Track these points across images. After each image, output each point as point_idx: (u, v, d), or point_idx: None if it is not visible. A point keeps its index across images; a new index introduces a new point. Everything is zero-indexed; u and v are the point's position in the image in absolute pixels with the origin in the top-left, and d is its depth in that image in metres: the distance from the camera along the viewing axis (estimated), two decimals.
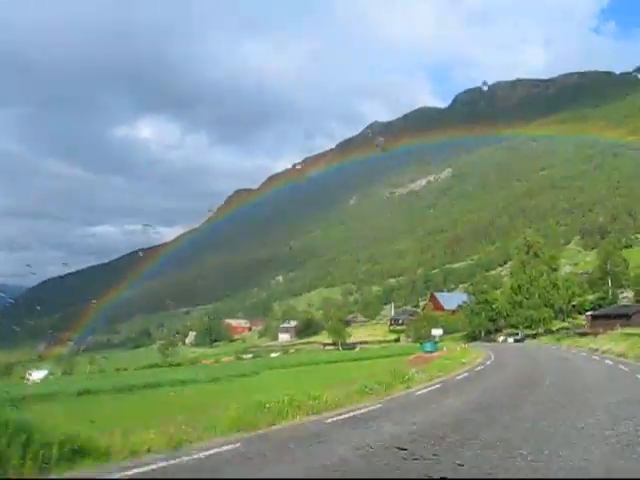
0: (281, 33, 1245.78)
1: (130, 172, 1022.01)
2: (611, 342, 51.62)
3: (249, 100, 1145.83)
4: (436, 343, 77.52)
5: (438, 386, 26.09)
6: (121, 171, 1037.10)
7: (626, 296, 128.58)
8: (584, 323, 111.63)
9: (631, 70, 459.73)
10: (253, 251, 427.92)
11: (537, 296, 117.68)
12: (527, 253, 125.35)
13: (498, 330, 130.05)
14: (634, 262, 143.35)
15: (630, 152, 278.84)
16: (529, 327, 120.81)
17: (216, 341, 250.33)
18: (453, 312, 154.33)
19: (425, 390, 24.13)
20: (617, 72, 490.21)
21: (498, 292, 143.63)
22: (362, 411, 18.22)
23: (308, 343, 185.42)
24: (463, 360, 46.26)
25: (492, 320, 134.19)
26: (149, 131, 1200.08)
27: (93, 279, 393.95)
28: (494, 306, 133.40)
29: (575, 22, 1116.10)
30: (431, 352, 67.38)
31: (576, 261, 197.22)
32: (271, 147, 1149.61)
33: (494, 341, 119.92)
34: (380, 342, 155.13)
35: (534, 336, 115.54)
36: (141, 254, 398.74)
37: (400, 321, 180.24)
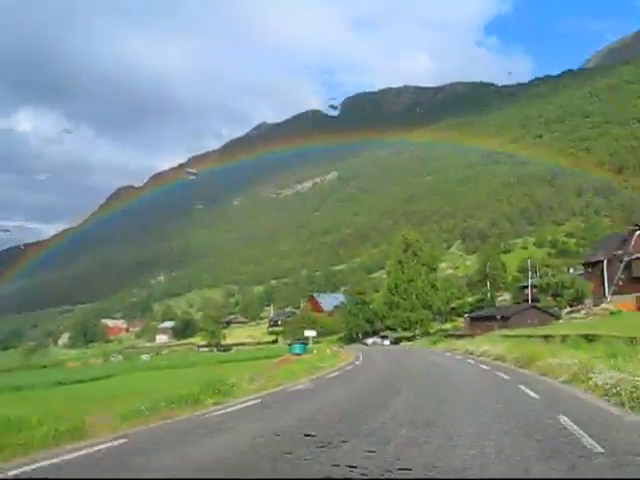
0: (170, 28, 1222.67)
1: (7, 166, 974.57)
2: (489, 344, 46.96)
3: (135, 96, 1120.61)
4: (306, 345, 71.61)
5: (258, 401, 19.62)
6: None
7: (504, 299, 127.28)
8: (462, 326, 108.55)
9: (512, 83, 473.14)
10: (135, 250, 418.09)
11: (415, 297, 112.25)
12: (405, 252, 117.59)
13: (376, 332, 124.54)
14: (512, 266, 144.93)
15: (510, 160, 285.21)
16: (407, 329, 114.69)
17: (92, 342, 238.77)
18: (331, 313, 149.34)
19: (232, 409, 17.63)
20: (499, 84, 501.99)
21: (377, 294, 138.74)
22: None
23: (185, 344, 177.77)
24: (320, 364, 40.38)
25: (370, 322, 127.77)
26: (28, 124, 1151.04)
27: None
28: (370, 307, 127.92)
29: (461, 35, 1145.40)
30: (299, 354, 61.68)
31: (457, 265, 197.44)
32: (157, 145, 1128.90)
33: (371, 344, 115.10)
34: (259, 343, 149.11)
35: (410, 338, 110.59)
36: (22, 247, 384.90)
37: (279, 322, 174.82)
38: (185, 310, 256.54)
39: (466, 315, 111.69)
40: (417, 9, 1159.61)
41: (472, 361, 39.02)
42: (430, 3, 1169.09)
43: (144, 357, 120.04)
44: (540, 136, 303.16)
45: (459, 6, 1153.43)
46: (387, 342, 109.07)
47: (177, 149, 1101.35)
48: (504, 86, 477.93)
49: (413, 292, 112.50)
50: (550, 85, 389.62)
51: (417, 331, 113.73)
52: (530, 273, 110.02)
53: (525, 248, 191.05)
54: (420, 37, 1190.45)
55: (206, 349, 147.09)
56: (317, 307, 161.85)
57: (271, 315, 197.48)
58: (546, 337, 42.28)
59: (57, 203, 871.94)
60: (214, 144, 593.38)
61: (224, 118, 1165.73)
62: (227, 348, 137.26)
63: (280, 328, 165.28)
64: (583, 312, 77.85)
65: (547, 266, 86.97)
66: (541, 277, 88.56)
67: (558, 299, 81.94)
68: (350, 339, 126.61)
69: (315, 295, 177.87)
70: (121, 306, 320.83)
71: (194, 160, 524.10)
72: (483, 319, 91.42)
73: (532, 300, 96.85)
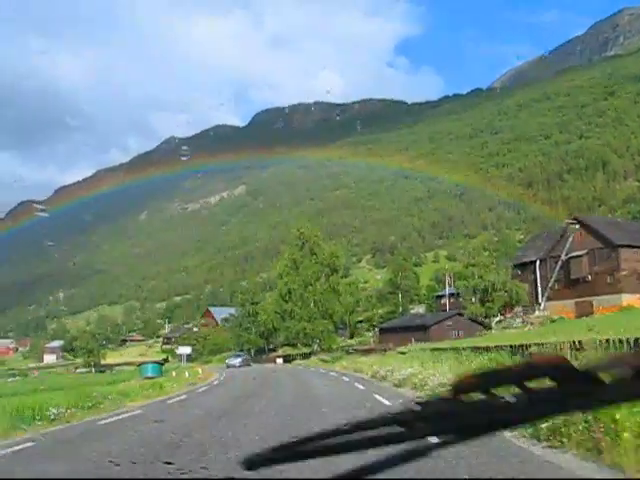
0: (78, 40, 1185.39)
1: None
2: (414, 362, 29.48)
3: (37, 106, 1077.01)
4: (161, 365, 54.32)
5: None
6: None
7: (418, 311, 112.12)
8: (371, 340, 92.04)
9: (422, 101, 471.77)
10: (34, 266, 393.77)
11: (312, 304, 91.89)
12: (301, 249, 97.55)
13: (272, 349, 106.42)
14: (424, 280, 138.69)
15: (420, 175, 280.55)
16: (307, 345, 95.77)
17: None
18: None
19: None
20: (409, 102, 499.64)
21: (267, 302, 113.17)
22: None
23: (70, 364, 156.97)
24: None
25: (264, 337, 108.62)
26: None
27: None
28: (260, 318, 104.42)
29: (372, 54, 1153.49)
30: (151, 377, 44.15)
31: (367, 279, 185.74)
32: (61, 158, 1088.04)
33: (268, 361, 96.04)
34: (155, 362, 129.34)
35: (306, 355, 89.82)
36: None
37: (173, 339, 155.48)
38: (80, 328, 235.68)
39: (377, 327, 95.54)
40: (331, 29, 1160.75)
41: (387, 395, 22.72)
42: (344, 24, 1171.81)
43: (9, 380, 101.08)
44: (450, 152, 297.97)
45: (371, 27, 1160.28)
46: (239, 361, 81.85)
47: (84, 163, 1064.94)
48: (414, 104, 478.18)
49: (310, 298, 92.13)
50: (459, 103, 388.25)
51: (316, 347, 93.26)
52: (448, 279, 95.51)
53: (436, 261, 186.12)
54: (332, 56, 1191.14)
55: (84, 370, 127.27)
56: (212, 321, 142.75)
57: (166, 331, 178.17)
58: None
59: None
60: (122, 158, 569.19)
61: (133, 132, 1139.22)
62: (105, 369, 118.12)
63: (174, 346, 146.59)
64: (519, 320, 62.55)
65: (473, 265, 70.88)
66: (465, 279, 72.79)
67: (487, 305, 65.85)
68: None
69: (211, 309, 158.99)
70: (15, 324, 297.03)
71: (101, 174, 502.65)
72: (396, 330, 75.21)
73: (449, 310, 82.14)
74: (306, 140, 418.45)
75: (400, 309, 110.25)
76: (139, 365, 57.41)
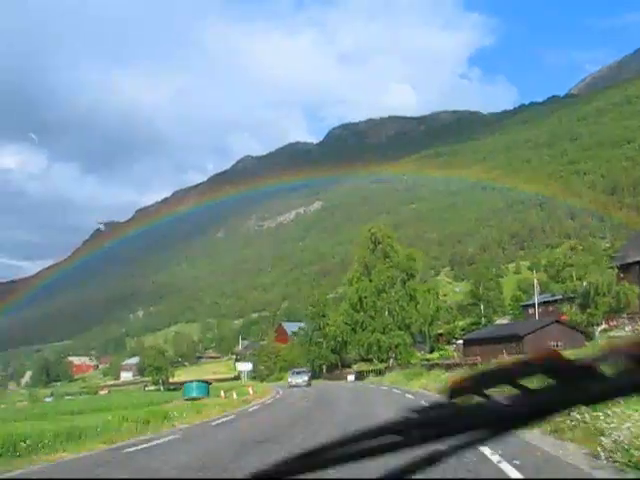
0: (152, 65, 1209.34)
1: None
2: None
3: (118, 132, 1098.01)
4: (208, 385, 47.03)
5: None
6: None
7: (502, 322, 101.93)
8: (454, 354, 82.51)
9: (497, 111, 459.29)
10: (116, 285, 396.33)
11: (387, 313, 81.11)
12: (373, 252, 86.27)
13: (346, 365, 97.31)
14: (506, 291, 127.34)
15: (498, 185, 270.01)
16: (383, 360, 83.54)
17: (56, 381, 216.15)
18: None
19: None
20: (484, 112, 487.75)
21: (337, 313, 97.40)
22: None
23: (141, 382, 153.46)
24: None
25: (336, 352, 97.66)
26: (12, 160, 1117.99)
27: None
28: (328, 330, 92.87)
29: (444, 67, 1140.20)
30: (196, 399, 36.96)
31: (445, 292, 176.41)
32: (141, 180, 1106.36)
33: (339, 378, 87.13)
34: (221, 380, 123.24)
35: (380, 372, 77.47)
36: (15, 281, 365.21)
37: (245, 356, 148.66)
38: (157, 346, 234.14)
39: (459, 341, 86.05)
40: (402, 44, 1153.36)
41: None
42: (415, 38, 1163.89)
43: (47, 399, 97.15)
44: (528, 161, 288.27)
45: (443, 40, 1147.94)
46: (304, 380, 70.14)
47: (162, 184, 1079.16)
48: (489, 114, 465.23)
49: (384, 307, 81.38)
50: (536, 111, 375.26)
51: (392, 361, 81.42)
52: (536, 284, 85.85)
53: (518, 273, 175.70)
54: (405, 70, 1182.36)
55: (153, 387, 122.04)
56: (283, 337, 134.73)
57: (239, 348, 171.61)
58: None
59: (42, 240, 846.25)
60: (199, 178, 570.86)
61: (209, 153, 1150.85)
62: (174, 387, 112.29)
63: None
64: (628, 328, 52.98)
65: (570, 265, 61.59)
66: (563, 282, 62.80)
67: (589, 311, 56.02)
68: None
69: (284, 324, 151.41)
70: (97, 343, 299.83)
71: (179, 194, 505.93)
72: (485, 341, 65.26)
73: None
74: (381, 154, 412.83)
75: (483, 320, 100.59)
76: (183, 384, 50.28)
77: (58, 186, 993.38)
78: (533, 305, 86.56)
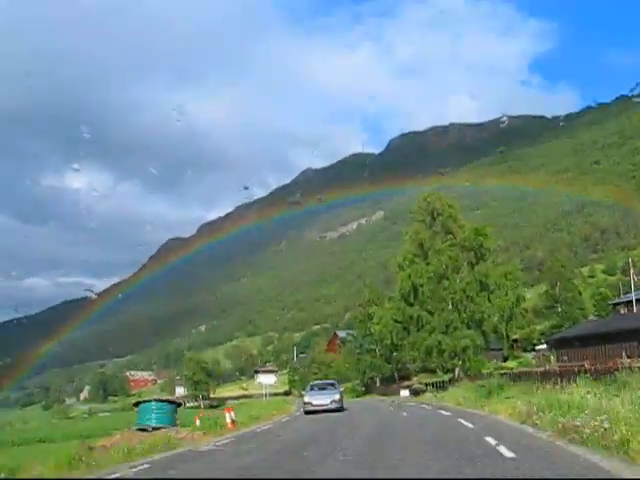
0: (212, 82, 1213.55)
1: (62, 224, 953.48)
2: None
3: (180, 149, 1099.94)
4: (177, 406, 32.86)
5: None
6: (51, 221, 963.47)
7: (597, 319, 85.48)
8: (533, 362, 65.67)
9: (562, 114, 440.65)
10: (179, 300, 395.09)
11: (450, 306, 59.53)
12: (431, 227, 65.41)
13: (405, 377, 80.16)
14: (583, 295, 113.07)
15: (566, 188, 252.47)
16: (448, 370, 64.14)
17: (114, 396, 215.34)
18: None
19: None
20: (548, 116, 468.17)
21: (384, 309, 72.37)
22: None
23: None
24: None
25: (392, 361, 79.31)
26: (80, 181, 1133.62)
27: (15, 333, 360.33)
28: (373, 330, 70.54)
29: (504, 74, 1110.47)
30: (146, 429, 23.05)
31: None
32: (203, 196, 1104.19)
33: (393, 393, 69.02)
34: (275, 395, 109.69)
35: (442, 385, 58.48)
36: (94, 294, 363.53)
37: (300, 369, 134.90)
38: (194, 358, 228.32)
39: (539, 347, 69.49)
40: (460, 53, 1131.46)
41: None
42: (474, 46, 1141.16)
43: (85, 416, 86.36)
44: (597, 162, 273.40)
45: (502, 48, 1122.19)
46: (332, 398, 41.54)
47: (225, 199, 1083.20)
48: (554, 117, 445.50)
49: (447, 298, 59.62)
50: (603, 112, 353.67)
51: (458, 371, 60.39)
52: (633, 273, 69.79)
53: (592, 277, 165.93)
54: (463, 79, 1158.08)
55: (194, 404, 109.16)
56: (336, 346, 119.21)
57: (294, 361, 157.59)
58: None
59: (110, 257, 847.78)
60: (261, 192, 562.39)
61: (270, 167, 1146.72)
62: (217, 402, 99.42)
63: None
64: None
65: None
66: None
67: None
68: (366, 388, 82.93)
69: (338, 332, 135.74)
70: (158, 357, 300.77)
71: (241, 208, 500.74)
72: (587, 341, 48.08)
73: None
74: (443, 162, 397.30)
75: (566, 323, 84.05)
76: (135, 404, 35.18)
77: (125, 204, 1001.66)
78: (625, 303, 70.19)
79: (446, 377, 65.67)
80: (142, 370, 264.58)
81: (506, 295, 61.01)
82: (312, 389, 44.14)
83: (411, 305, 62.19)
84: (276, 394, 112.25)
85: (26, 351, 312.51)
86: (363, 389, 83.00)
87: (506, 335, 64.71)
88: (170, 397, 34.97)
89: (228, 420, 26.56)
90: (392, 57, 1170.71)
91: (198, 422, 28.22)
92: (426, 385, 64.00)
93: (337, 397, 40.21)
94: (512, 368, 62.36)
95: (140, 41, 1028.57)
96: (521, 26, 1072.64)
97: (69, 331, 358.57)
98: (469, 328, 60.19)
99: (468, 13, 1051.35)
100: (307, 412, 39.40)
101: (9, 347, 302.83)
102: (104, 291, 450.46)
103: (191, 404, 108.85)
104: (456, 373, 61.23)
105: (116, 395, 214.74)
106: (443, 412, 31.90)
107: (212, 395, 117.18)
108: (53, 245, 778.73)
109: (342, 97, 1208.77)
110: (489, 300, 60.51)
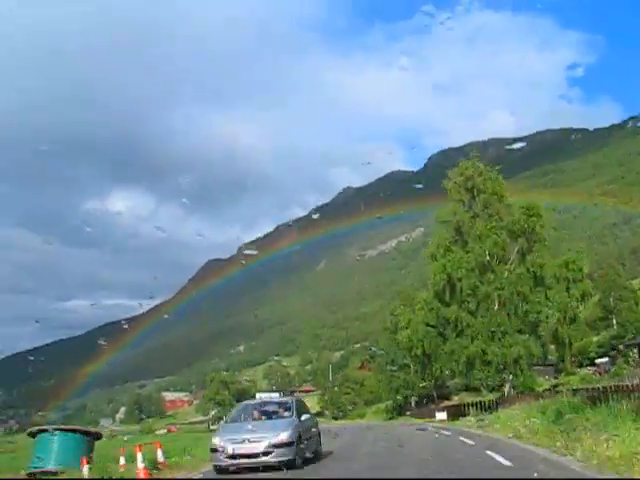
0: (249, 104, 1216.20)
1: (105, 247, 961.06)
2: None
3: (220, 171, 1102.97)
4: (91, 439, 23.66)
5: None
6: (94, 244, 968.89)
7: None
8: (594, 377, 54.69)
9: (605, 125, 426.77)
10: (219, 321, 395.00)
11: (496, 305, 46.83)
12: (470, 207, 52.63)
13: (445, 397, 68.65)
14: None
15: (611, 199, 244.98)
16: (494, 388, 53.15)
17: (149, 417, 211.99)
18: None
19: None
20: (590, 128, 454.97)
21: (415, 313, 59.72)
22: None
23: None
24: None
25: (431, 377, 65.11)
26: (122, 204, 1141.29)
27: (59, 354, 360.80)
28: (400, 337, 57.53)
29: (543, 88, 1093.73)
30: (50, 472, 16.03)
31: None
32: (243, 217, 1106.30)
33: (428, 416, 56.28)
34: None
35: (488, 406, 44.63)
36: (125, 325, 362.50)
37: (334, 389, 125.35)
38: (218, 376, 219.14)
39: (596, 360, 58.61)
40: (498, 68, 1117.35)
41: None
42: (512, 61, 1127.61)
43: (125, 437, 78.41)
44: None
45: (541, 62, 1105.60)
46: (271, 440, 18.29)
47: (265, 220, 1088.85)
48: (596, 129, 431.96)
49: (492, 295, 46.84)
50: None
51: (508, 388, 47.23)
52: None
53: None
54: (501, 95, 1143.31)
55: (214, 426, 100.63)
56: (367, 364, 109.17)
57: (330, 380, 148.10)
58: None
59: (151, 279, 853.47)
60: (300, 212, 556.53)
61: (309, 187, 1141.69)
62: None
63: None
64: None
65: None
66: None
67: None
68: (399, 410, 71.85)
69: (374, 349, 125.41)
70: (196, 378, 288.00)
71: (281, 229, 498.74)
72: None
73: None
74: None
75: (628, 334, 73.42)
76: (29, 434, 25.90)
77: (166, 226, 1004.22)
78: None
79: (492, 396, 52.79)
80: (180, 391, 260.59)
81: (568, 291, 49.30)
82: (237, 417, 21.22)
83: (447, 304, 50.02)
84: (76, 430, 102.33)
85: (70, 372, 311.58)
86: (395, 410, 72.29)
87: (569, 342, 50.94)
88: (81, 427, 24.70)
89: (140, 465, 16.56)
90: (429, 74, 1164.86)
91: (123, 460, 18.87)
92: (468, 406, 50.31)
93: (284, 437, 18.05)
94: (571, 383, 50.62)
95: (180, 65, 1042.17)
96: (559, 40, 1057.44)
97: (112, 352, 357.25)
98: (521, 333, 47.56)
99: (505, 27, 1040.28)
100: (219, 469, 18.25)
101: (54, 368, 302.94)
102: (146, 312, 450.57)
103: (213, 427, 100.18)
104: (506, 389, 48.60)
105: (151, 416, 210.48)
106: (488, 453, 18.25)
107: None
108: (95, 268, 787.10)
109: (380, 115, 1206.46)
110: (546, 297, 48.16)
